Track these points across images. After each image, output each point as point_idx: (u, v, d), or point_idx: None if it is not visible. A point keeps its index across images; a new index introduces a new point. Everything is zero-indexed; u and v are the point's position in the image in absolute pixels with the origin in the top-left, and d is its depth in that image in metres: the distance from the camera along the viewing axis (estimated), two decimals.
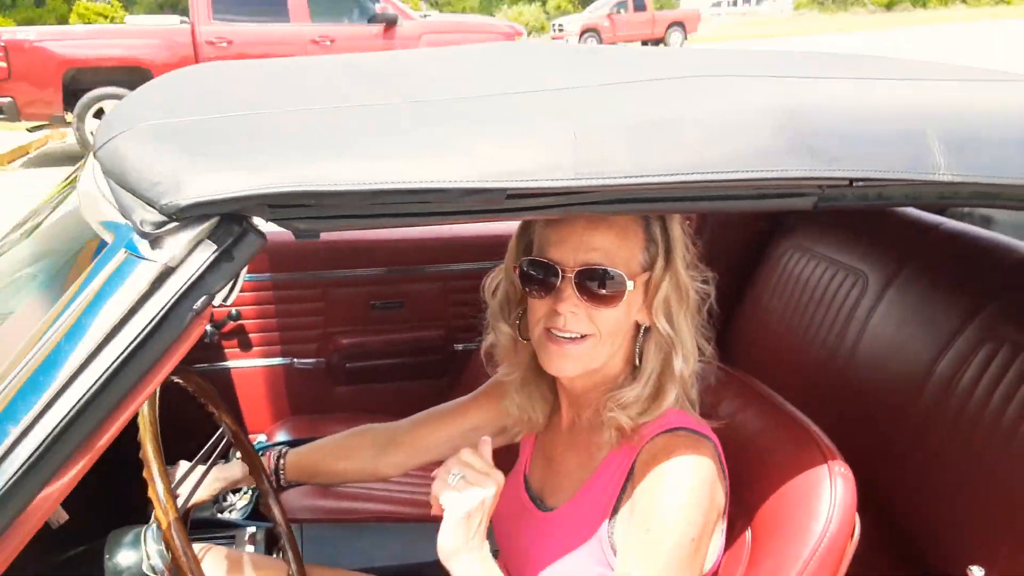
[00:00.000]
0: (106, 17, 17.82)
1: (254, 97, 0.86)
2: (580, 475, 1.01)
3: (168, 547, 0.85)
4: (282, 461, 1.22)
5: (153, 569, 0.93)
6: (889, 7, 39.18)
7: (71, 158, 7.52)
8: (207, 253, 0.65)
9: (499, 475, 0.90)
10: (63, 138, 9.27)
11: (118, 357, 0.64)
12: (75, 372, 0.64)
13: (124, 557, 0.94)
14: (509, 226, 2.24)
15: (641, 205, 0.74)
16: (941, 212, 1.93)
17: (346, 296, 2.13)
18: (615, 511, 0.97)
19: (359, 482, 1.29)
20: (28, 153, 8.85)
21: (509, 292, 1.03)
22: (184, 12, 8.76)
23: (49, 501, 0.65)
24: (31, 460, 0.63)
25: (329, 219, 0.68)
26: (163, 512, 0.87)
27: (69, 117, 7.74)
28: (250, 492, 1.56)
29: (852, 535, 0.96)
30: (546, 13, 45.73)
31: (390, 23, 8.70)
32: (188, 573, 0.84)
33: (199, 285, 0.66)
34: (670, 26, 28.44)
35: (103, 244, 0.70)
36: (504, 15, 41.71)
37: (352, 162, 0.67)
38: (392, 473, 1.21)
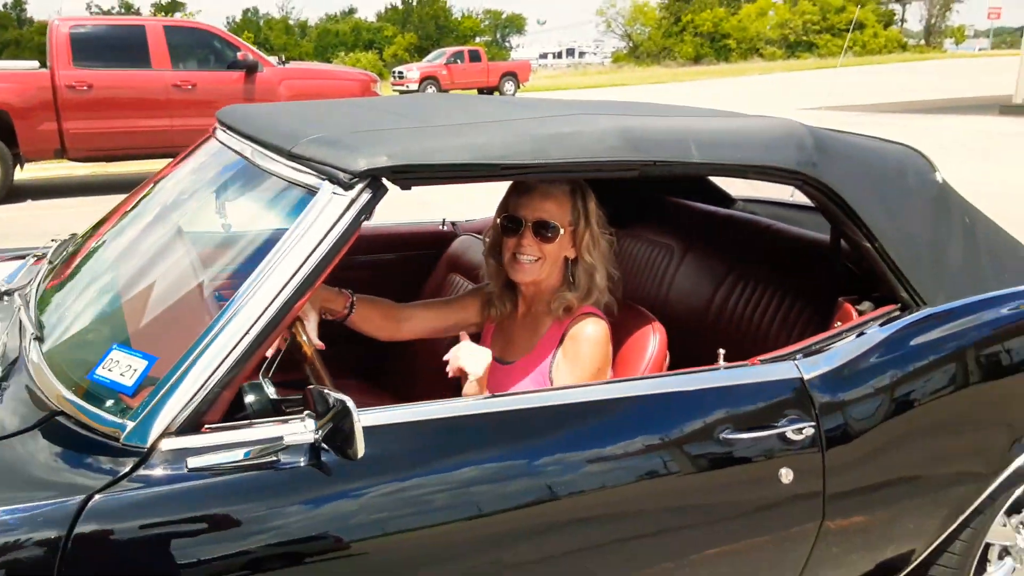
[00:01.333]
0: None
1: (364, 118, 1.59)
2: (532, 341, 1.78)
3: (310, 365, 1.51)
4: (353, 306, 1.75)
5: (272, 396, 1.53)
6: (696, 60, 43.28)
7: None
8: (368, 194, 1.36)
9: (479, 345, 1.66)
10: None
11: (334, 244, 1.33)
12: (308, 254, 1.32)
13: (253, 395, 1.54)
14: None
15: (564, 174, 1.54)
16: (723, 205, 2.88)
17: None
18: (554, 356, 1.74)
19: (385, 337, 1.85)
20: None
21: (494, 237, 1.80)
22: None
23: (286, 324, 1.33)
24: (285, 303, 1.30)
25: (422, 179, 1.41)
26: (307, 344, 1.53)
27: None
28: None
29: (666, 358, 1.78)
30: (383, 61, 46.57)
31: (251, 69, 9.18)
32: (325, 378, 1.51)
33: (363, 210, 1.37)
34: (503, 75, 29.98)
35: (304, 189, 1.39)
36: (341, 61, 42.10)
37: (434, 149, 1.41)
38: (409, 336, 1.87)
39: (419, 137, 1.48)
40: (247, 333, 1.26)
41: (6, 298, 1.84)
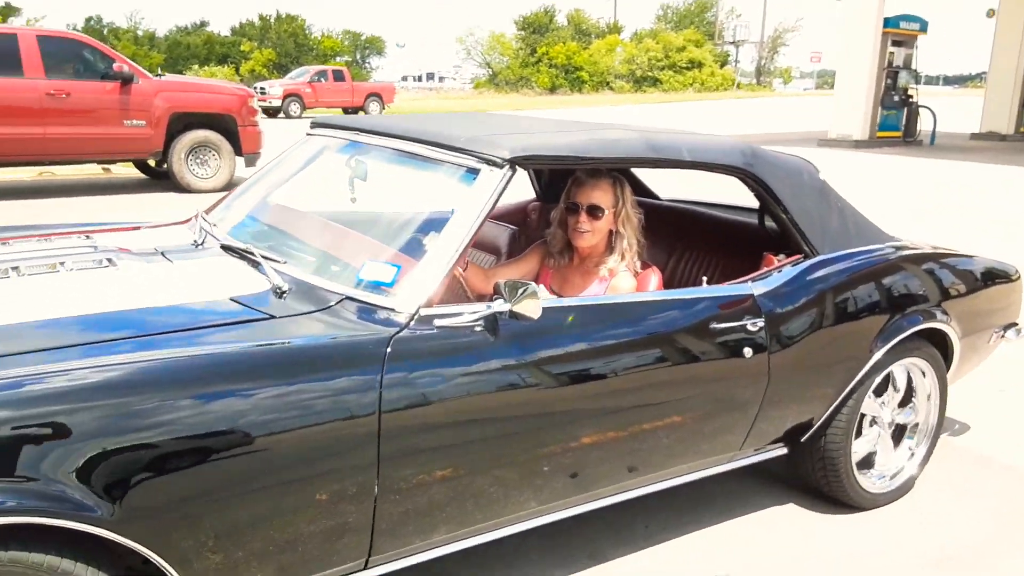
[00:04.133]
0: None
1: (482, 126, 2.43)
2: (584, 285, 2.65)
3: (461, 281, 2.32)
4: (467, 266, 2.57)
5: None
6: (552, 90, 45.51)
7: None
8: (510, 172, 2.17)
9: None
10: None
11: (493, 203, 2.15)
12: (481, 207, 2.11)
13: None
14: None
15: (618, 165, 2.45)
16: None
17: None
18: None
19: (483, 291, 2.58)
20: None
21: (561, 215, 2.66)
22: None
23: (470, 247, 2.13)
24: (472, 235, 2.13)
25: (539, 165, 2.27)
26: (461, 274, 2.34)
27: None
28: None
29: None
30: (239, 76, 45.61)
31: (126, 80, 9.42)
32: (468, 289, 2.32)
33: (507, 183, 2.20)
34: (368, 96, 30.37)
35: (471, 170, 2.21)
36: (195, 74, 40.94)
37: (544, 146, 2.28)
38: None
39: (532, 138, 2.34)
40: (456, 250, 2.08)
41: (198, 243, 2.53)
